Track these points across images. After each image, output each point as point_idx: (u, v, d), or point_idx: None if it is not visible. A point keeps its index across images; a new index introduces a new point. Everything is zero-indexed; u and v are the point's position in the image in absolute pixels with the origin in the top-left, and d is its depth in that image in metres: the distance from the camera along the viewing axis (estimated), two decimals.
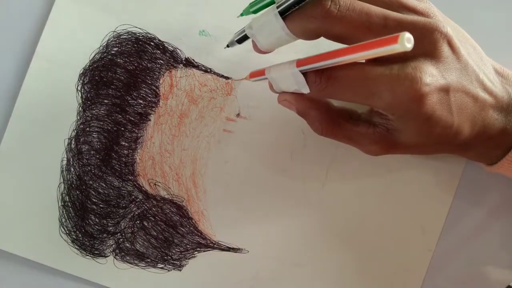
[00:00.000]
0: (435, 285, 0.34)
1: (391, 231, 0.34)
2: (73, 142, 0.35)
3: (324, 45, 0.27)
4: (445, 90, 0.24)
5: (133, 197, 0.35)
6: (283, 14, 0.25)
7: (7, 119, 0.35)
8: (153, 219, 0.34)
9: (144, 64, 0.35)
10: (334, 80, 0.24)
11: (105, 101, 0.35)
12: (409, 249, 0.34)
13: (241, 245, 0.34)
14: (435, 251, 0.34)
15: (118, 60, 0.35)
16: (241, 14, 0.30)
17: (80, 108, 0.35)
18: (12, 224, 0.34)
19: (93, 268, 0.34)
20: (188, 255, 0.34)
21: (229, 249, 0.34)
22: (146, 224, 0.34)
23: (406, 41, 0.17)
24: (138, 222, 0.34)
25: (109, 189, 0.34)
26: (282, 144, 0.35)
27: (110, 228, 0.34)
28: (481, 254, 0.34)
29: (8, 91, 0.35)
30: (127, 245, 0.34)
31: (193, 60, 0.35)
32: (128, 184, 0.35)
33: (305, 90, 0.26)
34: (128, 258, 0.34)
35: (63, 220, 0.34)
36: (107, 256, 0.34)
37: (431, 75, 0.23)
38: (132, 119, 0.35)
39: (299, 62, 0.24)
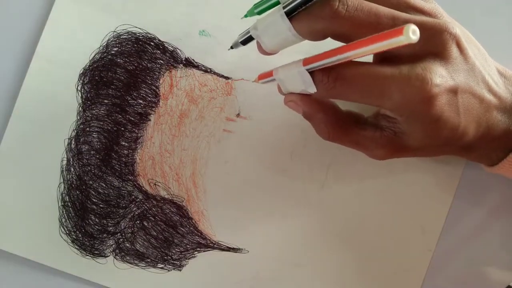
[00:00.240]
0: (435, 285, 0.34)
1: (391, 231, 0.34)
2: (73, 142, 0.35)
3: (330, 45, 0.27)
4: (454, 91, 0.24)
5: (133, 197, 0.35)
6: (290, 14, 0.25)
7: (7, 119, 0.35)
8: (153, 219, 0.34)
9: (144, 64, 0.35)
10: (342, 80, 0.24)
11: (105, 101, 0.35)
12: (409, 249, 0.34)
13: (241, 245, 0.34)
14: (435, 251, 0.34)
15: (118, 60, 0.35)
16: (245, 15, 0.30)
17: (80, 108, 0.35)
18: (12, 224, 0.34)
19: (93, 268, 0.34)
20: (188, 255, 0.34)
21: (229, 249, 0.34)
22: (146, 224, 0.34)
23: (411, 33, 0.17)
24: (138, 222, 0.34)
25: (109, 189, 0.34)
26: (282, 144, 0.35)
27: (110, 228, 0.34)
28: (481, 254, 0.34)
29: (8, 91, 0.35)
30: (127, 245, 0.34)
31: (193, 60, 0.35)
32: (128, 184, 0.35)
33: (312, 89, 0.25)
34: (128, 258, 0.34)
35: (63, 220, 0.34)
36: (107, 256, 0.34)
37: (440, 76, 0.23)
38: (132, 119, 0.35)
39: (306, 61, 0.24)
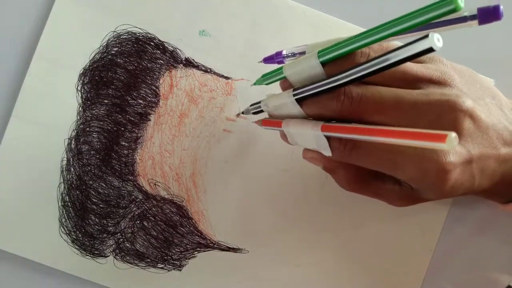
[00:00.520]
0: (435, 285, 0.34)
1: (391, 231, 0.34)
2: (73, 142, 0.35)
3: None
4: (469, 162, 0.24)
5: (133, 197, 0.35)
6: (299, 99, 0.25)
7: (7, 119, 0.35)
8: (153, 219, 0.34)
9: (144, 64, 0.35)
10: (358, 149, 0.24)
11: (105, 101, 0.35)
12: (409, 249, 0.34)
13: (241, 245, 0.34)
14: (435, 251, 0.34)
15: (118, 60, 0.35)
16: (255, 83, 0.31)
17: (80, 108, 0.35)
18: (12, 224, 0.34)
19: (93, 268, 0.34)
20: (188, 255, 0.34)
21: (229, 249, 0.34)
22: (146, 224, 0.34)
23: (454, 141, 0.17)
24: (138, 222, 0.34)
25: (109, 189, 0.34)
26: (282, 144, 0.34)
27: (110, 228, 0.34)
28: (481, 254, 0.34)
29: (8, 91, 0.35)
30: (127, 245, 0.34)
31: (193, 60, 0.35)
32: (128, 184, 0.35)
33: (327, 153, 0.26)
34: (128, 258, 0.34)
35: (63, 220, 0.34)
36: (107, 256, 0.34)
37: (454, 154, 0.23)
38: (132, 119, 0.35)
39: (325, 127, 0.24)
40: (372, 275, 0.34)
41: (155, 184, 0.35)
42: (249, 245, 0.34)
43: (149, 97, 0.35)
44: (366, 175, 0.28)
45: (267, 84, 0.30)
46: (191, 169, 0.35)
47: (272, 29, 0.35)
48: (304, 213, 0.34)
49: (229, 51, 0.35)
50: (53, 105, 0.35)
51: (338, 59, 0.24)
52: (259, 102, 0.30)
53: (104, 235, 0.34)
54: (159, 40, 0.35)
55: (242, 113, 0.34)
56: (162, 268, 0.34)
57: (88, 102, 0.35)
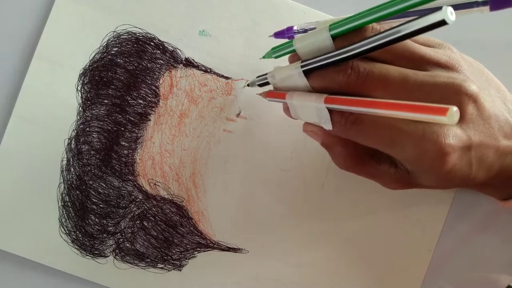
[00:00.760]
0: (435, 285, 0.34)
1: (391, 231, 0.34)
2: (73, 142, 0.35)
3: None
4: (468, 148, 0.24)
5: (133, 197, 0.35)
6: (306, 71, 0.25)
7: (7, 119, 0.35)
8: (153, 219, 0.34)
9: (144, 64, 0.35)
10: (360, 124, 0.24)
11: (105, 101, 0.35)
12: (409, 249, 0.34)
13: (241, 245, 0.34)
14: (435, 251, 0.34)
15: (118, 60, 0.35)
16: (263, 57, 0.31)
17: (80, 108, 0.35)
18: (12, 224, 0.34)
19: (93, 268, 0.34)
20: (188, 255, 0.34)
21: (229, 249, 0.34)
22: (146, 224, 0.34)
23: (455, 115, 0.17)
24: (138, 222, 0.34)
25: (109, 189, 0.34)
26: (282, 144, 0.35)
27: (110, 228, 0.34)
28: (481, 254, 0.34)
29: (8, 91, 0.35)
30: (127, 245, 0.34)
31: (193, 60, 0.35)
32: (128, 184, 0.35)
33: (328, 126, 0.26)
34: (128, 258, 0.34)
35: (63, 220, 0.34)
36: (107, 256, 0.34)
37: (454, 136, 0.23)
38: (132, 119, 0.35)
39: (328, 99, 0.24)
40: (372, 274, 0.34)
41: (155, 184, 0.35)
42: (249, 245, 0.34)
43: (149, 97, 0.35)
44: (364, 154, 0.27)
45: (276, 57, 0.29)
46: (191, 169, 0.35)
47: (272, 29, 0.35)
48: (304, 213, 0.34)
49: (229, 51, 0.35)
50: (53, 105, 0.35)
51: (348, 33, 0.24)
52: (265, 74, 0.30)
53: (104, 235, 0.34)
54: (159, 40, 0.35)
55: (248, 85, 0.34)
56: (162, 268, 0.34)
57: (88, 102, 0.35)
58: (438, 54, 0.25)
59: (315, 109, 0.25)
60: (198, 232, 0.34)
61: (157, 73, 0.35)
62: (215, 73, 0.35)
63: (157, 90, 0.35)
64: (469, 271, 0.34)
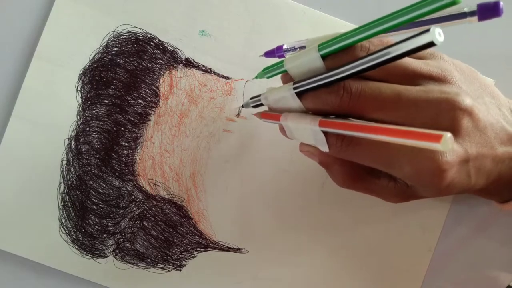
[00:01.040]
0: (435, 285, 0.34)
1: (391, 231, 0.34)
2: (73, 142, 0.35)
3: None
4: (465, 161, 0.24)
5: (133, 197, 0.35)
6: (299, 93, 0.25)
7: (7, 119, 0.35)
8: (153, 219, 0.34)
9: (144, 64, 0.35)
10: (356, 145, 0.24)
11: (105, 101, 0.35)
12: (409, 249, 0.34)
13: (241, 245, 0.34)
14: (435, 251, 0.34)
15: (118, 60, 0.35)
16: (256, 77, 0.31)
17: (80, 108, 0.35)
18: (12, 224, 0.34)
19: (93, 268, 0.34)
20: (188, 255, 0.34)
21: (229, 249, 0.34)
22: (146, 224, 0.34)
23: (449, 142, 0.17)
24: (138, 222, 0.34)
25: (109, 189, 0.34)
26: (282, 144, 0.35)
27: (110, 228, 0.34)
28: (481, 254, 0.34)
29: (8, 91, 0.35)
30: (127, 245, 0.34)
31: (193, 60, 0.35)
32: (128, 184, 0.35)
33: (324, 148, 0.26)
34: (128, 258, 0.34)
35: (63, 220, 0.34)
36: (107, 256, 0.34)
37: (451, 152, 0.23)
38: (132, 119, 0.35)
39: (323, 123, 0.24)
40: (372, 275, 0.34)
41: (155, 184, 0.35)
42: (249, 245, 0.34)
43: (149, 97, 0.35)
44: (361, 171, 0.27)
45: (268, 77, 0.30)
46: (191, 169, 0.35)
47: (272, 29, 0.35)
48: (304, 213, 0.34)
49: (229, 51, 0.35)
50: (53, 105, 0.35)
51: (338, 52, 0.24)
52: (259, 96, 0.30)
53: (104, 235, 0.34)
54: (159, 40, 0.35)
55: (242, 106, 0.34)
56: (162, 268, 0.34)
57: (88, 102, 0.35)
58: (430, 67, 0.25)
59: (310, 131, 0.25)
60: (198, 232, 0.34)
61: (157, 73, 0.35)
62: (215, 73, 0.35)
63: (157, 90, 0.35)
64: (469, 271, 0.34)
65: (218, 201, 0.35)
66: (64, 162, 0.35)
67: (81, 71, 0.35)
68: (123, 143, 0.35)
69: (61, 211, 0.34)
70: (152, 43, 0.35)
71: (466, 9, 0.21)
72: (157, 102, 0.35)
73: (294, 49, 0.29)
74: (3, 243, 0.34)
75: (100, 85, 0.35)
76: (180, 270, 0.34)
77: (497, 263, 0.34)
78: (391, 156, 0.24)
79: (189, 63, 0.35)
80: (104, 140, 0.35)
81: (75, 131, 0.35)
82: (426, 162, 0.23)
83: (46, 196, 0.34)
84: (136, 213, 0.34)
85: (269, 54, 0.31)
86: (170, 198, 0.34)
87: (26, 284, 0.35)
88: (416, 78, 0.24)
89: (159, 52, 0.35)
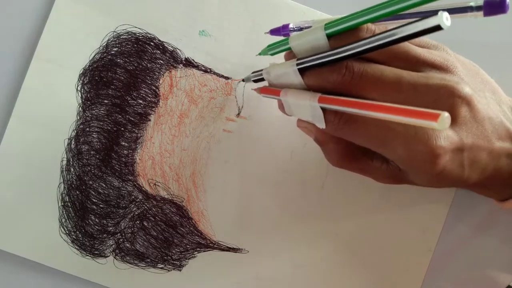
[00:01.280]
0: (435, 285, 0.34)
1: (391, 231, 0.34)
2: (73, 142, 0.35)
3: None
4: (460, 149, 0.24)
5: (133, 197, 0.35)
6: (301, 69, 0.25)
7: (7, 119, 0.35)
8: (153, 219, 0.34)
9: (144, 64, 0.35)
10: (352, 123, 0.24)
11: (105, 101, 0.35)
12: (409, 249, 0.34)
13: (241, 245, 0.34)
14: (435, 251, 0.34)
15: (118, 60, 0.35)
16: (260, 53, 0.31)
17: (80, 108, 0.35)
18: (12, 224, 0.34)
19: (93, 268, 0.34)
20: (188, 255, 0.34)
21: (229, 249, 0.34)
22: (146, 224, 0.34)
23: (446, 121, 0.17)
24: (138, 222, 0.34)
25: (109, 189, 0.34)
26: (282, 144, 0.35)
27: (110, 228, 0.34)
28: (481, 254, 0.34)
29: (8, 91, 0.35)
30: (127, 245, 0.34)
31: (193, 60, 0.35)
32: (128, 184, 0.35)
33: (321, 125, 0.26)
34: (128, 258, 0.34)
35: (63, 220, 0.34)
36: (107, 256, 0.34)
37: (446, 138, 0.23)
38: (132, 119, 0.35)
39: (322, 99, 0.24)
40: (372, 275, 0.34)
41: (155, 184, 0.35)
42: (249, 245, 0.34)
43: (149, 97, 0.35)
44: (356, 151, 0.28)
45: (271, 54, 0.30)
46: (191, 169, 0.35)
47: None
48: (304, 213, 0.34)
49: (229, 51, 0.35)
50: (53, 105, 0.35)
51: (343, 33, 0.24)
52: (261, 70, 0.30)
53: (104, 235, 0.34)
54: (159, 40, 0.35)
55: (243, 80, 0.34)
56: (162, 268, 0.34)
57: (88, 102, 0.35)
58: (433, 55, 0.25)
59: (309, 107, 0.25)
60: (198, 232, 0.34)
61: (157, 73, 0.35)
62: (215, 73, 0.35)
63: (157, 90, 0.35)
64: (469, 271, 0.34)
65: (218, 201, 0.35)
66: (64, 162, 0.35)
67: (81, 71, 0.35)
68: (123, 143, 0.35)
69: (61, 211, 0.34)
70: (152, 43, 0.35)
71: (472, 3, 0.21)
72: (157, 102, 0.35)
73: (300, 29, 0.29)
74: (3, 243, 0.34)
75: (100, 85, 0.35)
76: (180, 270, 0.34)
77: (497, 263, 0.34)
78: (386, 137, 0.24)
79: (189, 63, 0.35)
80: (104, 140, 0.35)
81: (75, 131, 0.35)
82: (419, 146, 0.23)
83: (46, 196, 0.34)
84: (136, 213, 0.34)
85: (274, 32, 0.31)
86: (170, 198, 0.34)
87: (26, 284, 0.35)
88: (418, 64, 0.24)
89: (159, 52, 0.35)
